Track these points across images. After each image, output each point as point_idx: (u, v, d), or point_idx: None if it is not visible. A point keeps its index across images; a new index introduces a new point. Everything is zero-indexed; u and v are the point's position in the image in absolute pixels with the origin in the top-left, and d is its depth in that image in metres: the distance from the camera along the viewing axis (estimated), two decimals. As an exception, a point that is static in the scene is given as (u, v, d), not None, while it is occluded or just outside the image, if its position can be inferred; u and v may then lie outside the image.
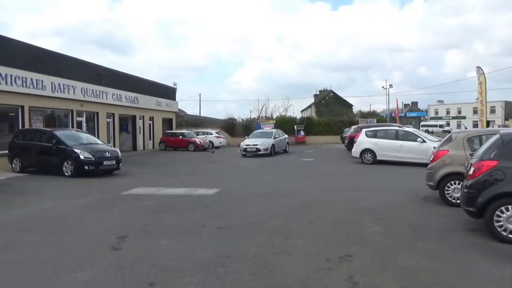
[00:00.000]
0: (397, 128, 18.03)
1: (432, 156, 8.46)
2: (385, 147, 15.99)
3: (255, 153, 21.06)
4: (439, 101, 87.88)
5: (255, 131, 25.56)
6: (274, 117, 39.61)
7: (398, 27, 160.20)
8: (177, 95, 35.76)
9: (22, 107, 17.00)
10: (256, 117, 40.25)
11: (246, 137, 24.41)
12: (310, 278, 4.11)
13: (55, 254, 5.00)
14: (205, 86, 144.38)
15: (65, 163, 13.10)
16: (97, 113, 23.02)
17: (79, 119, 21.28)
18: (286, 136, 25.49)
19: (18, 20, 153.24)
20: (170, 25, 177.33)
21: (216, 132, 32.97)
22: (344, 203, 8.11)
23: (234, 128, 37.21)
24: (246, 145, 21.67)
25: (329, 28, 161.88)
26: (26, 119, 17.10)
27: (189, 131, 30.36)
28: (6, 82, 15.71)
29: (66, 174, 13.02)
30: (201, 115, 55.92)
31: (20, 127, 16.51)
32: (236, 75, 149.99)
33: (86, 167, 12.96)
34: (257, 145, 21.28)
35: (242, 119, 40.45)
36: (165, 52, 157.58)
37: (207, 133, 32.01)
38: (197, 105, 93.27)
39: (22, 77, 16.55)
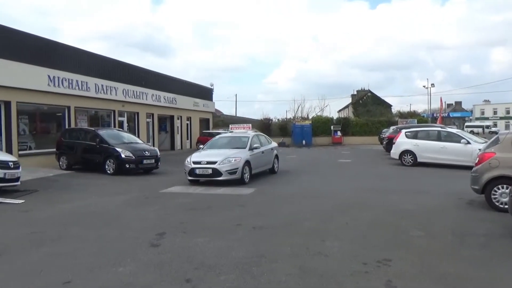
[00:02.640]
0: (439, 128, 17.33)
1: (478, 159, 8.06)
2: (426, 149, 15.41)
3: (210, 178, 10.89)
4: (485, 100, 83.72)
5: (217, 137, 14.26)
6: (310, 117, 39.21)
7: (438, 24, 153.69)
8: (213, 95, 36.29)
9: (69, 108, 17.86)
10: (292, 117, 39.98)
11: (201, 147, 14.19)
12: (346, 281, 4.04)
13: (98, 248, 5.22)
14: (242, 86, 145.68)
15: (108, 161, 13.64)
16: (138, 113, 23.79)
17: (120, 119, 22.09)
18: (273, 144, 14.49)
19: (68, 25, 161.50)
20: (207, 27, 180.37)
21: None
22: (383, 206, 7.90)
23: (270, 128, 37.16)
24: (194, 162, 11.10)
25: (366, 27, 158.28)
26: (72, 119, 17.96)
27: (226, 131, 30.69)
28: (54, 84, 16.57)
29: (108, 172, 13.55)
30: (237, 115, 56.37)
31: (67, 127, 17.36)
32: (272, 75, 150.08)
33: (127, 166, 13.42)
34: (214, 162, 10.86)
35: (278, 119, 40.33)
36: (203, 54, 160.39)
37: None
38: (234, 105, 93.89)
39: (68, 79, 17.40)
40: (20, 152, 14.77)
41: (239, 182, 10.85)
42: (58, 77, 16.78)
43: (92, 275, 4.30)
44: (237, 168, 10.78)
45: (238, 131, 17.64)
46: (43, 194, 9.78)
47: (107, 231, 6.10)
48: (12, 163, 9.68)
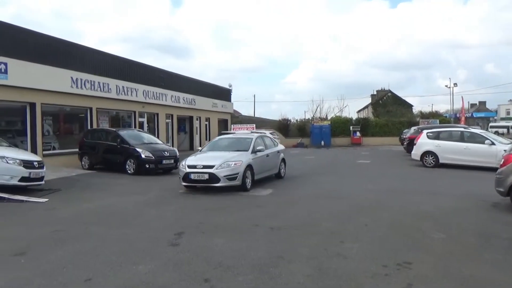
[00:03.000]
0: (462, 129, 16.92)
1: (503, 160, 7.83)
2: (449, 150, 15.06)
3: (206, 184, 9.77)
4: (510, 100, 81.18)
5: (217, 138, 13.03)
6: (329, 117, 38.91)
7: (461, 23, 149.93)
8: (232, 96, 36.44)
9: (91, 109, 18.25)
10: (310, 118, 39.77)
11: (199, 148, 13.43)
12: (366, 284, 3.99)
13: (119, 247, 5.31)
14: (260, 87, 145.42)
15: (128, 161, 13.87)
16: (157, 114, 24.11)
17: (141, 119, 22.44)
18: (279, 147, 13.21)
19: (89, 28, 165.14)
20: (226, 29, 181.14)
21: (270, 133, 33.01)
22: (403, 207, 7.77)
23: (288, 129, 37.08)
24: (189, 166, 9.88)
25: (387, 26, 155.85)
26: (94, 120, 18.34)
27: (261, 132, 30.69)
28: (77, 86, 16.97)
29: (129, 172, 13.79)
30: (256, 115, 56.49)
31: (89, 127, 17.74)
32: (290, 75, 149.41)
33: (147, 166, 13.62)
34: (212, 167, 9.63)
35: (296, 120, 40.16)
36: (221, 55, 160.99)
37: (262, 134, 32.21)
38: (252, 106, 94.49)
39: (90, 81, 17.78)
40: (44, 152, 15.18)
41: (240, 188, 9.68)
42: (81, 79, 17.18)
43: (113, 273, 4.38)
44: (238, 173, 9.50)
45: (240, 132, 14.07)
46: (66, 193, 10.02)
47: (127, 230, 6.20)
48: (36, 163, 9.96)
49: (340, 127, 35.38)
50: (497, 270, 4.34)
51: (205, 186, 9.73)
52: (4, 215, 7.51)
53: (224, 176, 9.41)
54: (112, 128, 16.63)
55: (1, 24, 14.15)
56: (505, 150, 9.81)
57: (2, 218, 7.25)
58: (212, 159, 9.98)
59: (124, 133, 15.04)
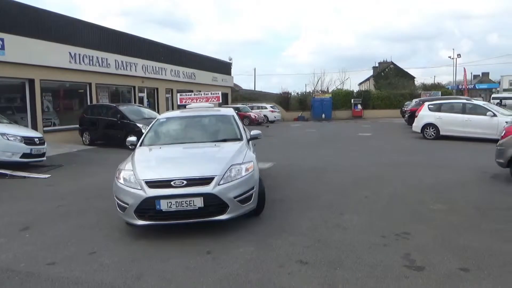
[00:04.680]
0: (464, 101, 16.79)
1: (504, 131, 7.81)
2: (450, 122, 15.01)
3: (197, 219, 4.63)
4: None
5: (165, 118, 7.07)
6: (330, 90, 38.61)
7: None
8: (232, 70, 36.10)
9: (90, 84, 18.12)
10: (311, 91, 39.47)
11: (130, 140, 6.46)
12: (365, 254, 4.06)
13: (121, 221, 5.37)
14: (260, 60, 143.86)
15: (129, 136, 13.85)
16: (157, 88, 23.96)
17: (140, 94, 22.32)
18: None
19: (87, 2, 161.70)
20: (226, 0, 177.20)
21: (271, 107, 32.94)
22: (403, 180, 7.81)
23: (288, 102, 36.89)
24: (151, 182, 4.63)
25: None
26: (93, 95, 18.26)
27: (244, 106, 30.62)
28: (75, 61, 16.79)
29: (130, 147, 13.79)
30: (256, 89, 56.05)
31: (89, 103, 17.67)
32: (291, 48, 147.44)
33: (148, 141, 13.58)
34: (208, 180, 4.64)
35: (297, 93, 39.85)
36: (221, 28, 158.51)
37: (262, 108, 32.10)
38: (252, 79, 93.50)
39: (89, 56, 17.57)
40: (45, 129, 15.19)
41: (251, 214, 5.18)
42: (79, 54, 16.97)
43: (117, 246, 4.47)
44: (253, 188, 5.00)
45: (198, 105, 8.40)
46: (68, 169, 10.09)
47: (129, 204, 6.27)
48: (37, 139, 9.98)
49: (341, 100, 35.17)
50: (494, 240, 4.40)
51: (194, 221, 4.64)
52: (7, 191, 7.60)
53: (235, 197, 4.70)
54: (112, 104, 16.56)
55: (-5, -2, 13.86)
56: (506, 122, 9.79)
57: (5, 194, 7.34)
58: (197, 160, 5.32)
59: (124, 108, 14.98)
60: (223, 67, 34.15)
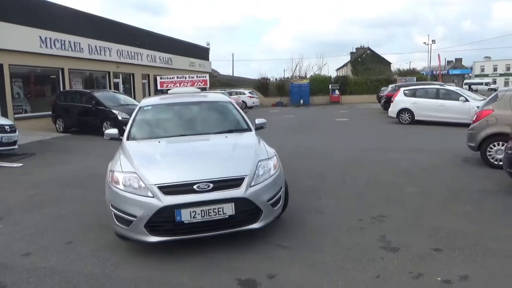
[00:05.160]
0: (438, 86, 17.18)
1: (475, 116, 8.05)
2: (424, 107, 15.37)
3: (222, 232, 3.79)
4: (485, 57, 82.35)
5: (149, 104, 5.84)
6: (308, 76, 38.74)
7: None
8: (210, 55, 35.63)
9: (62, 70, 17.54)
10: (289, 77, 39.52)
11: (109, 133, 5.77)
12: (342, 237, 4.15)
13: (98, 209, 5.29)
14: (239, 45, 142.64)
15: (104, 123, 13.59)
16: (133, 74, 23.43)
17: (115, 80, 21.79)
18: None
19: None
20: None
21: (249, 92, 32.81)
22: (379, 164, 7.98)
23: (267, 88, 36.86)
24: (167, 187, 3.66)
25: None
26: (66, 81, 17.70)
27: (223, 92, 30.38)
28: (46, 45, 16.18)
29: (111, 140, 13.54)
30: (234, 75, 55.65)
31: (62, 89, 17.13)
32: (270, 34, 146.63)
33: (125, 127, 13.29)
34: (238, 181, 3.82)
35: (276, 79, 39.83)
36: (199, 12, 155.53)
37: (240, 93, 31.93)
38: (230, 65, 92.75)
39: (60, 40, 16.96)
40: (16, 116, 14.69)
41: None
42: (50, 38, 16.36)
43: (94, 234, 4.40)
44: (281, 189, 4.32)
45: (182, 90, 7.27)
46: (41, 157, 9.82)
47: (107, 193, 6.17)
48: (8, 127, 9.64)
49: (319, 85, 35.39)
50: (465, 221, 4.57)
51: (218, 234, 3.82)
52: (-23, 180, 7.33)
53: (268, 200, 3.99)
54: (86, 90, 16.11)
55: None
56: (478, 107, 10.09)
57: (-24, 183, 7.08)
58: (217, 157, 4.32)
59: (99, 94, 14.62)
60: (201, 52, 33.66)
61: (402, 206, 5.16)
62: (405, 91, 16.40)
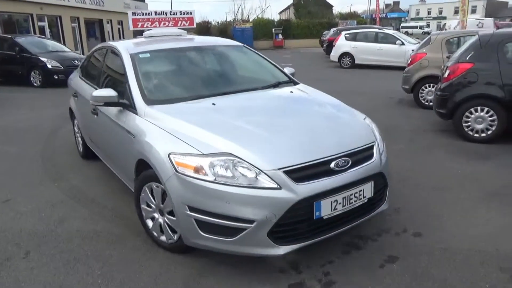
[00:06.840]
0: (377, 30, 17.62)
1: (410, 59, 8.46)
2: (364, 51, 15.80)
3: (347, 226, 2.71)
4: (421, 0, 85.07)
5: (166, 46, 4.04)
6: (251, 20, 37.78)
7: None
8: (146, -4, 33.18)
9: (-25, 11, 15.53)
10: (232, 20, 38.29)
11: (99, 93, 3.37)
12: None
13: (37, 165, 5.03)
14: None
15: (32, 72, 12.49)
16: (60, 17, 21.33)
17: (40, 24, 19.74)
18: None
19: None
20: None
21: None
22: (321, 108, 8.23)
23: (209, 33, 35.55)
24: (298, 170, 2.50)
25: None
26: (-18, 25, 15.75)
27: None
28: (-49, -18, 14.07)
29: (35, 84, 12.50)
30: (174, 18, 52.62)
31: (-23, 34, 15.25)
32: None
33: (56, 77, 12.39)
34: (370, 158, 2.87)
35: (218, 22, 38.45)
36: None
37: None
38: (169, 6, 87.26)
39: (-32, -24, 14.81)
40: None
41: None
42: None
43: (34, 191, 4.20)
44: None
45: (162, 31, 4.84)
46: (-37, 111, 8.91)
47: (45, 146, 5.83)
48: None
49: (262, 29, 34.78)
50: (400, 159, 4.96)
51: (352, 226, 2.80)
52: None
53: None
54: (7, 35, 14.47)
55: None
56: (412, 50, 10.57)
57: None
58: (321, 120, 3.24)
59: (22, 40, 13.24)
60: (136, -7, 31.22)
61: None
62: (346, 35, 16.65)
